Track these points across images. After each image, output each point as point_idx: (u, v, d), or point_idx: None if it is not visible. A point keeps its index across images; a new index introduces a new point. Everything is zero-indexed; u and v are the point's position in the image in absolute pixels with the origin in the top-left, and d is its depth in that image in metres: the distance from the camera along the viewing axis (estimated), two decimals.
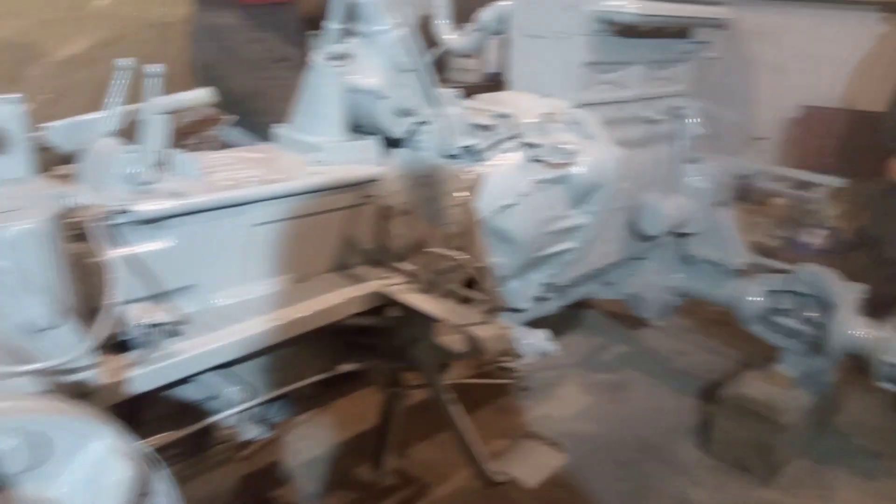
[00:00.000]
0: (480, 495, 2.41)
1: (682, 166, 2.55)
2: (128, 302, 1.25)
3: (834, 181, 2.97)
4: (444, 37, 2.37)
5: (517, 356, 1.67)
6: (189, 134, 1.80)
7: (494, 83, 3.17)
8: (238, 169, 1.58)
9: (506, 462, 1.59)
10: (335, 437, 2.62)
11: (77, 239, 1.16)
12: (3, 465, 0.68)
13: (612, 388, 3.03)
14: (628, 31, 2.12)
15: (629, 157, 2.19)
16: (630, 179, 2.24)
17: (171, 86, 1.54)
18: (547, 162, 1.94)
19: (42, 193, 1.12)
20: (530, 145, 1.93)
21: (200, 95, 1.64)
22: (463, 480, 2.50)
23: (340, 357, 1.71)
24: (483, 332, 1.46)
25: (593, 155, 2.06)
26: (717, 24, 2.39)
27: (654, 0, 2.07)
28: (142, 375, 1.22)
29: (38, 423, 0.71)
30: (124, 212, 1.25)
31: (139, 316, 1.25)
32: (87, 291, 1.16)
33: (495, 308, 1.73)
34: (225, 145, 1.98)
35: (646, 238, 2.48)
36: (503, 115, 1.93)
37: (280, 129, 1.79)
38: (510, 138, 1.92)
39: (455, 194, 1.71)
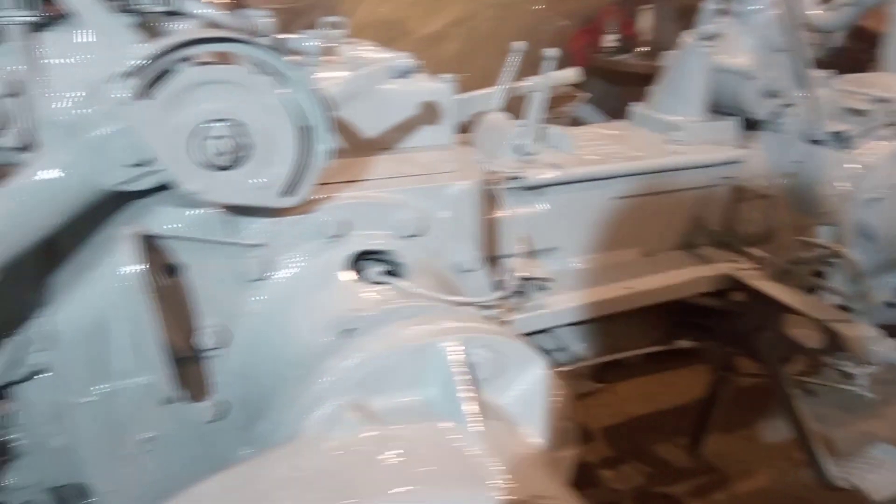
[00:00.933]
0: (784, 498, 2.30)
1: None
2: (510, 256, 1.44)
3: None
4: (808, 12, 2.21)
5: (867, 361, 1.56)
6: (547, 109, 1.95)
7: (837, 58, 2.87)
8: (600, 144, 1.69)
9: (851, 468, 1.51)
10: (642, 409, 2.68)
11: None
12: (476, 371, 0.86)
13: None
14: None
15: None
16: None
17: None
18: None
19: (466, 158, 1.34)
20: None
21: (570, 75, 1.78)
22: (766, 480, 2.41)
23: (676, 333, 1.75)
24: (848, 330, 1.39)
25: None
26: None
27: None
28: (519, 321, 1.41)
29: (500, 343, 0.89)
30: (516, 178, 1.44)
31: (519, 269, 1.43)
32: (487, 243, 1.37)
33: (852, 307, 1.63)
34: (576, 121, 2.12)
35: None
36: (881, 100, 1.76)
37: (636, 108, 1.86)
38: (888, 125, 1.75)
39: (834, 184, 1.62)
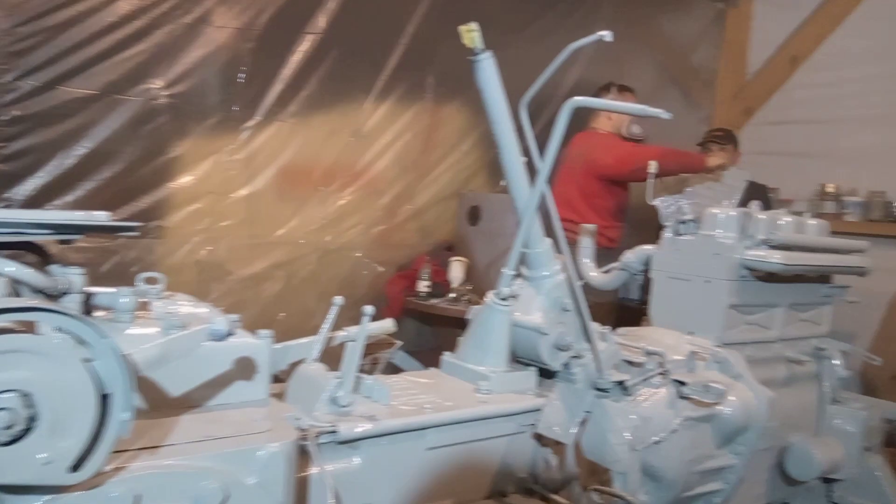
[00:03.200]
0: None
1: (828, 408, 2.51)
2: None
3: None
4: (589, 274, 2.59)
5: None
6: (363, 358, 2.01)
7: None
8: (414, 394, 1.76)
9: None
10: None
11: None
12: None
13: None
14: (771, 277, 2.25)
15: (775, 398, 2.20)
16: (776, 420, 2.23)
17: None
18: (695, 400, 2.00)
19: (279, 416, 1.32)
20: (679, 382, 2.01)
21: (387, 325, 1.89)
22: None
23: None
24: None
25: (741, 395, 2.10)
26: (856, 272, 2.49)
27: (796, 251, 2.23)
28: None
29: None
30: (332, 432, 1.43)
31: None
32: None
33: None
34: (391, 367, 2.19)
35: (793, 482, 2.39)
36: (652, 353, 2.04)
37: (447, 357, 1.99)
38: (658, 374, 2.02)
39: (622, 434, 1.79)
